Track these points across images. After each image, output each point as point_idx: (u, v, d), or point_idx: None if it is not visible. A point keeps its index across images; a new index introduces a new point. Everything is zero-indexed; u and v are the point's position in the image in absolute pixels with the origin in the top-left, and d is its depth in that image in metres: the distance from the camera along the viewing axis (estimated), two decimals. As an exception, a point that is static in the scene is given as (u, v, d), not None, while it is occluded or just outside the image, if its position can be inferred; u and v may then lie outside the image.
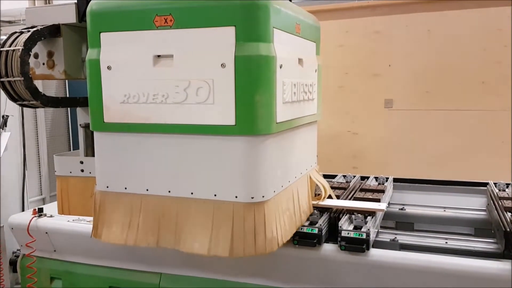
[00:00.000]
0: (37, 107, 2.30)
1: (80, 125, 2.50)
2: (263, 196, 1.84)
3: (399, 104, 4.22)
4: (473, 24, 3.91)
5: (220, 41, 1.75)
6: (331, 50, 4.18)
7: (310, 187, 2.39)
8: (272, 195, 1.89)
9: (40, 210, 2.81)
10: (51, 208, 2.94)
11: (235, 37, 1.73)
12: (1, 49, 2.16)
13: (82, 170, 2.40)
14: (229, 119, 1.77)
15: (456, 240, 2.19)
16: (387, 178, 3.06)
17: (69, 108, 5.50)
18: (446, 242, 2.17)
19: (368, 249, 2.07)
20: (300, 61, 2.13)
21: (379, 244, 2.16)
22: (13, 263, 3.17)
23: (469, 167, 3.91)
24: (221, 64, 1.74)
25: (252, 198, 1.82)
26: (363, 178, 3.17)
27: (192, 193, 1.88)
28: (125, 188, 1.98)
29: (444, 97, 4.06)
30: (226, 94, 1.76)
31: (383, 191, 2.73)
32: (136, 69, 1.88)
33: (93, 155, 2.45)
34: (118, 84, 1.91)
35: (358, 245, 2.06)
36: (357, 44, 4.27)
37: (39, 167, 4.92)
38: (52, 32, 2.24)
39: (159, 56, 1.85)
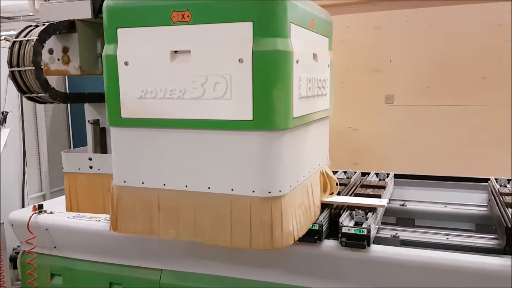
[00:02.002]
0: (45, 102, 2.27)
1: (88, 121, 2.47)
2: (280, 191, 1.84)
3: (400, 100, 4.21)
4: (474, 19, 3.90)
5: (238, 36, 1.74)
6: (332, 46, 4.17)
7: (323, 183, 2.40)
8: (289, 190, 1.90)
9: (40, 206, 2.81)
10: (51, 204, 2.95)
11: (253, 32, 1.72)
12: (15, 39, 2.14)
13: (91, 167, 2.38)
14: (247, 114, 1.77)
15: (457, 236, 2.19)
16: (388, 174, 3.06)
17: (69, 104, 5.50)
18: (447, 238, 2.17)
19: (369, 245, 2.07)
20: (314, 56, 2.13)
21: (380, 240, 2.16)
22: (13, 260, 3.16)
23: (470, 163, 3.90)
24: (239, 59, 1.75)
25: (269, 192, 1.83)
26: (363, 174, 3.17)
27: (209, 188, 1.89)
28: (142, 183, 1.99)
29: (444, 92, 4.05)
30: (243, 89, 1.76)
31: (384, 187, 2.72)
32: (153, 65, 1.88)
33: (102, 152, 2.45)
34: (136, 80, 1.91)
35: (359, 241, 2.06)
36: (357, 40, 4.26)
37: (39, 164, 4.92)
38: (67, 27, 2.22)
39: (176, 51, 1.85)
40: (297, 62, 1.85)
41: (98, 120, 2.46)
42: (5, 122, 4.09)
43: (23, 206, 4.27)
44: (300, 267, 2.20)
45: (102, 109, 2.42)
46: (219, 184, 1.88)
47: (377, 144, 4.27)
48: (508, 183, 2.84)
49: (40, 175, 4.92)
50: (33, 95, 2.21)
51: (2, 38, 4.23)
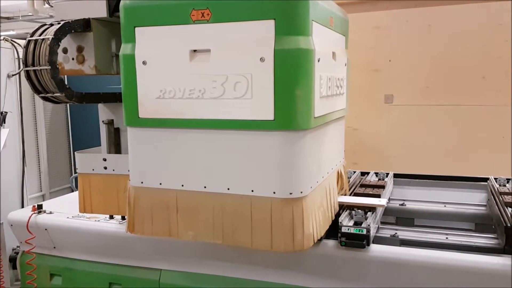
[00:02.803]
0: (60, 102, 2.25)
1: (102, 121, 2.45)
2: (301, 192, 1.82)
3: (399, 100, 4.20)
4: (474, 19, 3.89)
5: (259, 34, 1.72)
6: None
7: (341, 183, 2.39)
8: (310, 191, 1.87)
9: (40, 206, 2.81)
10: (50, 204, 2.94)
11: (275, 30, 1.70)
12: (30, 38, 2.11)
13: (105, 167, 2.35)
14: (268, 114, 1.75)
15: (456, 236, 2.19)
16: (387, 174, 3.06)
17: (68, 104, 5.49)
18: (447, 238, 2.17)
19: (368, 245, 2.07)
20: (333, 54, 2.11)
21: (379, 240, 2.15)
22: (12, 260, 3.17)
23: (469, 162, 3.90)
24: (260, 58, 1.72)
25: (291, 194, 1.80)
26: (363, 173, 3.17)
27: (228, 189, 1.87)
28: (160, 184, 1.97)
29: (444, 92, 4.04)
30: (265, 89, 1.74)
31: (383, 187, 2.72)
32: (172, 64, 1.86)
33: (116, 152, 2.43)
34: (154, 79, 1.89)
35: (359, 241, 2.05)
36: (357, 40, 4.24)
37: (39, 164, 4.92)
38: (83, 26, 2.20)
39: (195, 50, 1.83)
40: (318, 60, 1.82)
41: (113, 120, 2.43)
42: (4, 122, 4.09)
43: (22, 206, 4.26)
44: (300, 267, 2.20)
45: (116, 109, 2.41)
46: (238, 185, 1.85)
47: (377, 143, 4.26)
48: (508, 182, 2.84)
49: (40, 175, 4.91)
50: (48, 95, 2.17)
51: (2, 38, 4.23)
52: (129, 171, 2.05)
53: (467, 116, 3.99)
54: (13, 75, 4.29)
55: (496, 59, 3.86)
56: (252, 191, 1.84)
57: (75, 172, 4.94)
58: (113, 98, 2.40)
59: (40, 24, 2.21)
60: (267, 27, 1.71)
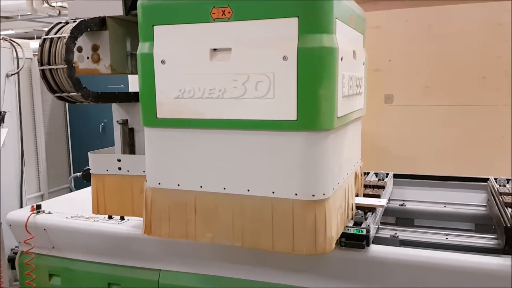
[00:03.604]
0: (75, 102, 2.19)
1: (117, 121, 2.40)
2: (324, 194, 1.78)
3: (399, 99, 4.20)
4: (474, 19, 3.89)
5: (282, 33, 1.68)
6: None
7: (358, 184, 2.37)
8: (332, 193, 1.84)
9: (38, 206, 2.80)
10: (49, 204, 2.93)
11: (298, 28, 1.66)
12: (46, 36, 2.07)
13: (120, 168, 2.32)
14: (290, 114, 1.71)
15: (456, 236, 2.18)
16: (387, 174, 3.05)
17: (67, 104, 5.49)
18: (447, 238, 2.16)
19: (368, 245, 2.06)
20: (354, 53, 2.07)
21: (379, 240, 2.15)
22: (11, 260, 3.17)
23: (469, 163, 3.89)
24: (283, 57, 1.68)
25: (313, 196, 1.77)
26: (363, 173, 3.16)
27: (248, 190, 1.84)
28: (178, 185, 1.94)
29: (444, 92, 4.04)
30: (287, 88, 1.70)
31: (383, 187, 2.72)
32: (191, 63, 1.82)
33: (131, 153, 2.39)
34: (173, 79, 1.86)
35: (358, 241, 2.04)
36: (357, 39, 4.25)
37: (37, 164, 4.91)
38: (98, 24, 2.15)
39: (215, 49, 1.79)
40: (341, 59, 1.78)
41: (127, 120, 2.40)
42: (3, 122, 4.09)
43: (21, 206, 4.26)
44: (299, 267, 2.19)
45: (131, 109, 2.38)
46: (259, 186, 1.82)
47: (377, 143, 4.26)
48: (508, 182, 2.84)
49: (38, 175, 4.91)
50: (63, 94, 2.12)
51: (1, 37, 4.22)
52: (146, 172, 2.02)
53: (467, 116, 3.98)
54: (12, 74, 4.29)
55: (496, 59, 3.85)
56: (273, 192, 1.80)
57: (74, 172, 4.94)
58: (128, 97, 2.36)
59: (56, 22, 2.15)
60: (290, 25, 1.67)
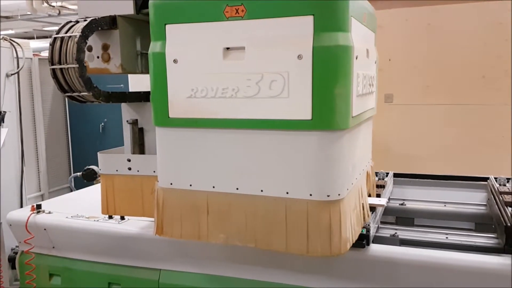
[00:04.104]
0: (86, 101, 2.16)
1: (127, 121, 2.38)
2: (339, 194, 1.76)
3: (399, 99, 4.20)
4: (474, 18, 3.89)
5: (297, 31, 1.66)
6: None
7: (369, 184, 2.35)
8: (346, 193, 1.82)
9: (38, 206, 2.79)
10: (49, 204, 2.93)
11: (313, 26, 1.65)
12: (56, 35, 2.04)
13: (130, 168, 2.29)
14: (305, 113, 1.69)
15: (456, 235, 2.18)
16: (387, 173, 3.05)
17: (67, 104, 5.49)
18: (447, 237, 2.16)
19: (368, 244, 2.06)
20: (367, 52, 2.05)
21: (379, 240, 2.15)
22: (11, 260, 3.16)
23: (469, 162, 3.90)
24: (298, 56, 1.66)
25: (328, 196, 1.75)
26: (363, 173, 3.16)
27: (261, 191, 1.82)
28: (190, 185, 1.92)
29: (444, 91, 4.04)
30: (302, 87, 1.68)
31: (383, 186, 2.72)
32: (204, 62, 1.80)
33: (140, 153, 2.36)
34: (185, 78, 1.84)
35: (358, 241, 2.04)
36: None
37: (37, 163, 4.91)
38: (109, 23, 2.13)
39: (228, 48, 1.78)
40: (356, 58, 1.76)
41: (137, 120, 2.38)
42: (3, 122, 4.09)
43: (21, 206, 4.26)
44: (298, 267, 2.19)
45: (141, 108, 2.36)
46: (272, 187, 1.80)
47: (377, 143, 4.25)
48: (508, 182, 2.84)
49: (38, 175, 4.91)
50: (74, 94, 2.09)
51: (1, 37, 4.22)
52: (158, 172, 2.00)
53: (467, 115, 3.99)
54: (11, 74, 4.29)
55: (496, 58, 3.86)
56: (287, 193, 1.78)
57: (74, 172, 4.94)
58: (139, 97, 2.34)
59: (66, 21, 2.13)
60: (306, 23, 1.65)
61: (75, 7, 7.18)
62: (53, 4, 6.58)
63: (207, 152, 1.88)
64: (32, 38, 11.68)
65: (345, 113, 1.72)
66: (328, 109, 1.68)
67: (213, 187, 1.89)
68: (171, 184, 1.96)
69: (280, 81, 1.70)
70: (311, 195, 1.75)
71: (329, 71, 1.66)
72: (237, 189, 1.85)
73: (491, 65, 3.88)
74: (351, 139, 1.89)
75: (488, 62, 3.89)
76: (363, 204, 2.15)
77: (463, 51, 3.94)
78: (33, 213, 2.73)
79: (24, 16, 7.93)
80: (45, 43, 9.03)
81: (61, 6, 6.75)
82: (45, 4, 6.41)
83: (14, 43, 4.34)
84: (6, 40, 4.28)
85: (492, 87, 3.90)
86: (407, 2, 4.06)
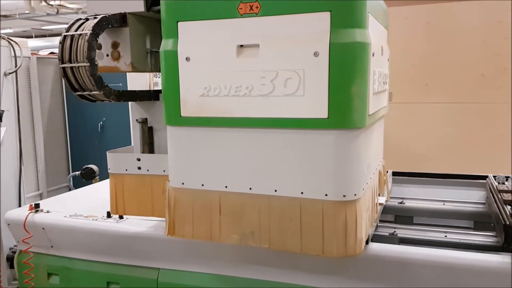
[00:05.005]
0: (96, 100, 2.14)
1: (136, 120, 2.36)
2: (355, 195, 1.74)
3: (398, 97, 4.20)
4: (473, 16, 3.89)
5: (313, 28, 1.63)
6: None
7: (383, 184, 2.34)
8: (362, 193, 1.80)
9: (37, 205, 2.79)
10: (48, 203, 2.93)
11: (330, 23, 1.61)
12: (66, 33, 2.01)
13: (139, 168, 2.27)
14: (321, 111, 1.66)
15: (455, 234, 2.18)
16: (386, 172, 3.05)
17: (65, 103, 5.49)
18: (446, 236, 2.16)
19: (367, 243, 2.05)
20: (382, 49, 2.03)
21: (378, 238, 2.14)
22: (10, 259, 3.16)
23: (468, 160, 3.90)
24: (314, 53, 1.63)
25: (344, 196, 1.72)
26: (362, 171, 3.16)
27: (275, 191, 1.79)
28: (202, 185, 1.90)
29: (443, 89, 4.04)
30: (318, 85, 1.65)
31: (382, 185, 2.71)
32: (217, 60, 1.78)
33: (150, 152, 2.35)
34: (198, 76, 1.81)
35: (357, 239, 2.04)
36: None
37: (36, 163, 4.91)
38: (119, 20, 2.10)
39: (242, 46, 1.75)
40: (373, 55, 1.74)
41: (146, 119, 2.36)
42: (1, 121, 4.08)
43: (19, 205, 4.26)
44: (298, 266, 2.19)
45: (150, 107, 2.34)
46: (287, 186, 1.77)
47: (376, 141, 4.26)
48: (507, 180, 2.84)
49: (37, 174, 4.91)
50: (85, 93, 2.07)
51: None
52: (169, 171, 1.98)
53: (466, 114, 3.99)
54: (10, 73, 4.28)
55: (495, 56, 3.86)
56: (302, 193, 1.75)
57: (73, 171, 4.94)
58: (149, 96, 2.32)
59: (75, 19, 2.11)
60: (322, 19, 1.62)
61: (73, 6, 7.18)
62: (51, 3, 6.57)
63: (220, 152, 1.85)
64: (31, 37, 11.66)
65: (362, 112, 1.69)
66: (345, 107, 1.65)
67: (226, 187, 1.87)
68: (183, 183, 1.93)
69: (295, 79, 1.68)
70: (326, 195, 1.73)
71: (347, 68, 1.64)
72: (251, 189, 1.83)
73: (490, 63, 3.88)
74: (367, 138, 1.86)
75: (488, 60, 3.89)
76: (376, 204, 2.13)
77: (462, 50, 3.94)
78: (32, 212, 2.73)
79: (22, 15, 7.92)
80: (44, 42, 9.02)
81: (60, 5, 6.74)
82: (43, 3, 6.40)
83: (12, 42, 4.33)
84: (4, 38, 4.27)
85: (491, 86, 3.90)
86: (407, 1, 4.05)
